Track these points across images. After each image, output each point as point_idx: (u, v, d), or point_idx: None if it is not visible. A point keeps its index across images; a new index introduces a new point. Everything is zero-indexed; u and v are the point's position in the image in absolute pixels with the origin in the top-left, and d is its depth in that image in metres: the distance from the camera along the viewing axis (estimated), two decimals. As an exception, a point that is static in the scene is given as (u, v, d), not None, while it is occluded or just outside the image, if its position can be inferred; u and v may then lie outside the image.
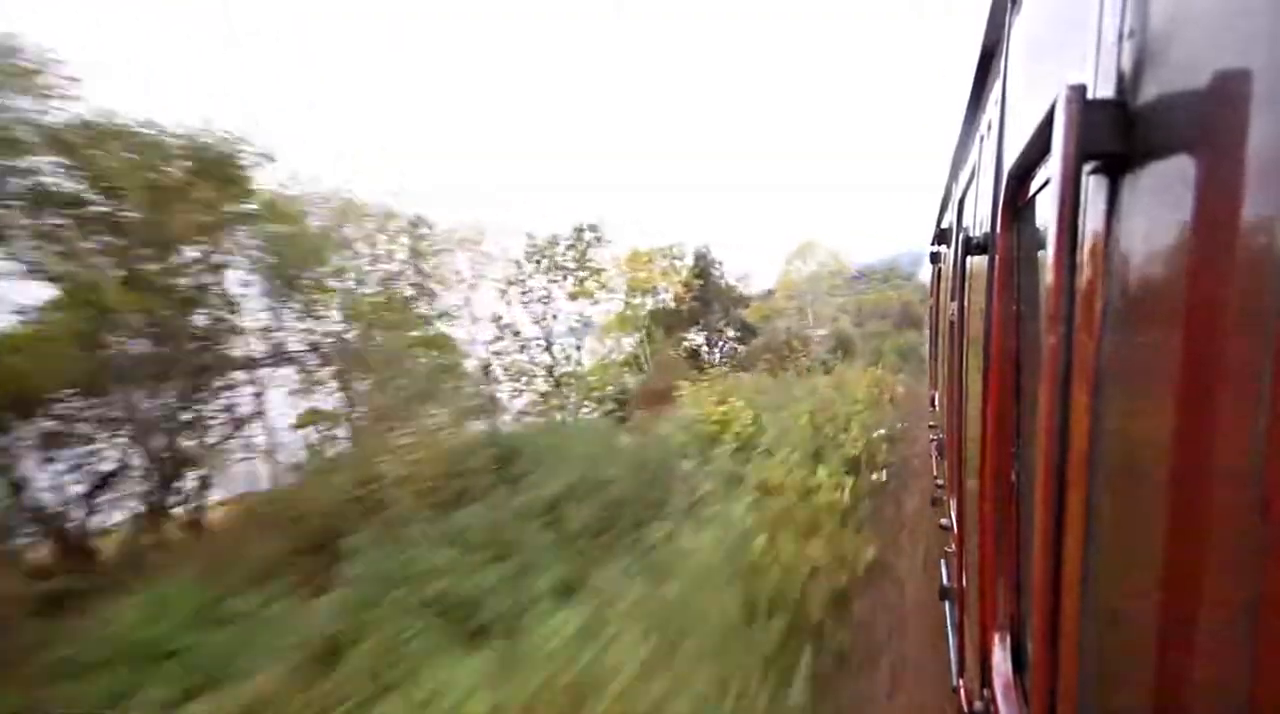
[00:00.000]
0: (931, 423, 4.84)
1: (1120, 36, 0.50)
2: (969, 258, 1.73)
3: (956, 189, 2.58)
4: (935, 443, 3.91)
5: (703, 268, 21.76)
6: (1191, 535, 0.37)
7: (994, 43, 1.44)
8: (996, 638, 1.02)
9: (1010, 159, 0.91)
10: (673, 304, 21.48)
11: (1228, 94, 0.35)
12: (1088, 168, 0.54)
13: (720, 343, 23.02)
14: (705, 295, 22.11)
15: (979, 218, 1.57)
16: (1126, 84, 0.49)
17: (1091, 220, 0.54)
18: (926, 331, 7.69)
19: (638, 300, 20.71)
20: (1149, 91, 0.46)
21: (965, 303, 1.87)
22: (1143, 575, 0.44)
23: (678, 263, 21.61)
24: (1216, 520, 0.35)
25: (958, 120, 2.17)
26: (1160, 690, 0.41)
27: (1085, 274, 0.55)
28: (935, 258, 4.43)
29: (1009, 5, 1.24)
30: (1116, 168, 0.50)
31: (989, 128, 1.48)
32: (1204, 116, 0.38)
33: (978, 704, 1.20)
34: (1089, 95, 0.51)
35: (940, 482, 3.07)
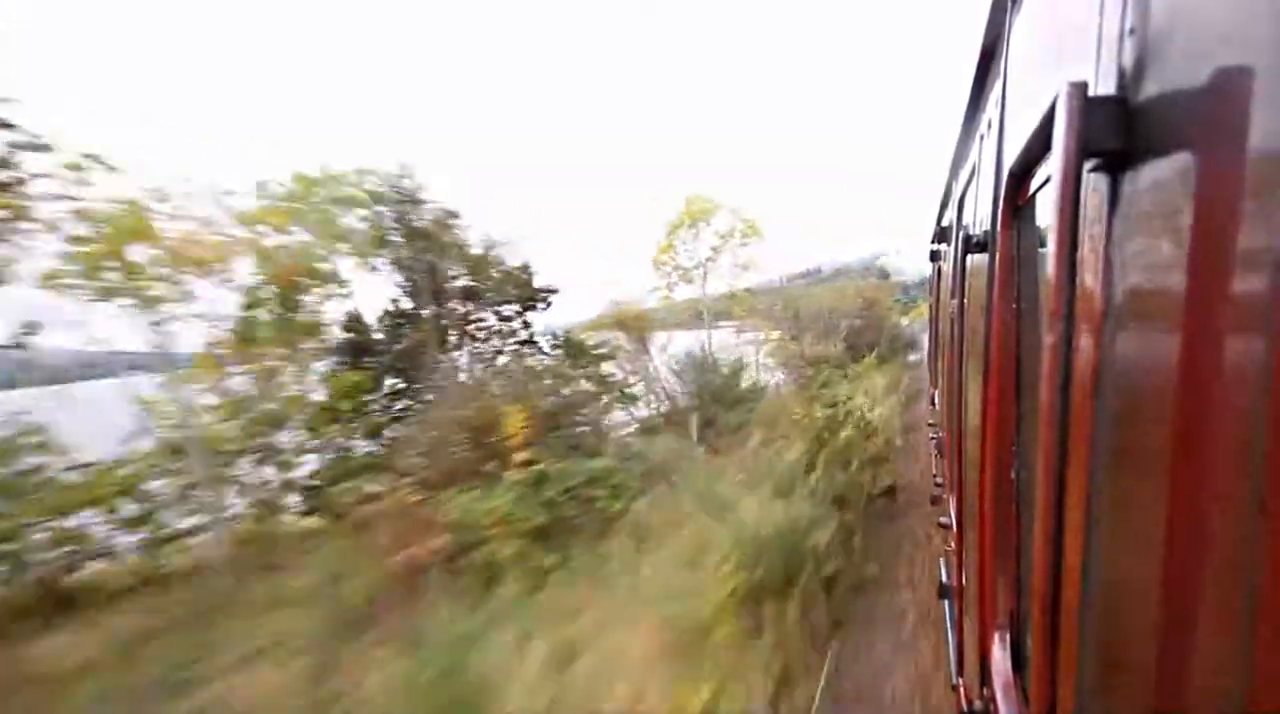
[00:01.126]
0: (931, 421, 5.06)
1: (1122, 34, 0.53)
2: (969, 256, 1.82)
3: (957, 187, 2.76)
4: (935, 442, 4.12)
5: (410, 222, 10.92)
6: (1191, 534, 0.39)
7: (994, 41, 1.53)
8: (996, 637, 1.07)
9: (1011, 157, 0.93)
10: (408, 304, 11.43)
11: (1229, 91, 0.36)
12: (1088, 165, 0.56)
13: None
14: (438, 282, 11.29)
15: (979, 216, 1.68)
16: (1128, 81, 0.52)
17: (1092, 218, 0.57)
18: (925, 344, 8.19)
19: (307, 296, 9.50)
20: (1150, 89, 0.48)
21: (965, 301, 2.01)
22: (1142, 574, 0.46)
23: (357, 217, 10.30)
24: (1216, 519, 0.37)
25: (954, 119, 2.34)
26: (1160, 690, 0.43)
27: (1086, 272, 0.58)
28: (935, 256, 4.78)
29: (1009, 4, 1.31)
30: (1117, 165, 0.53)
31: (989, 126, 1.57)
32: (1205, 113, 0.39)
33: (977, 703, 1.29)
34: (1090, 92, 0.53)
35: (940, 480, 3.26)
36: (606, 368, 13.92)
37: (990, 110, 1.59)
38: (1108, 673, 0.54)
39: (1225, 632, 0.35)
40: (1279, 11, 0.32)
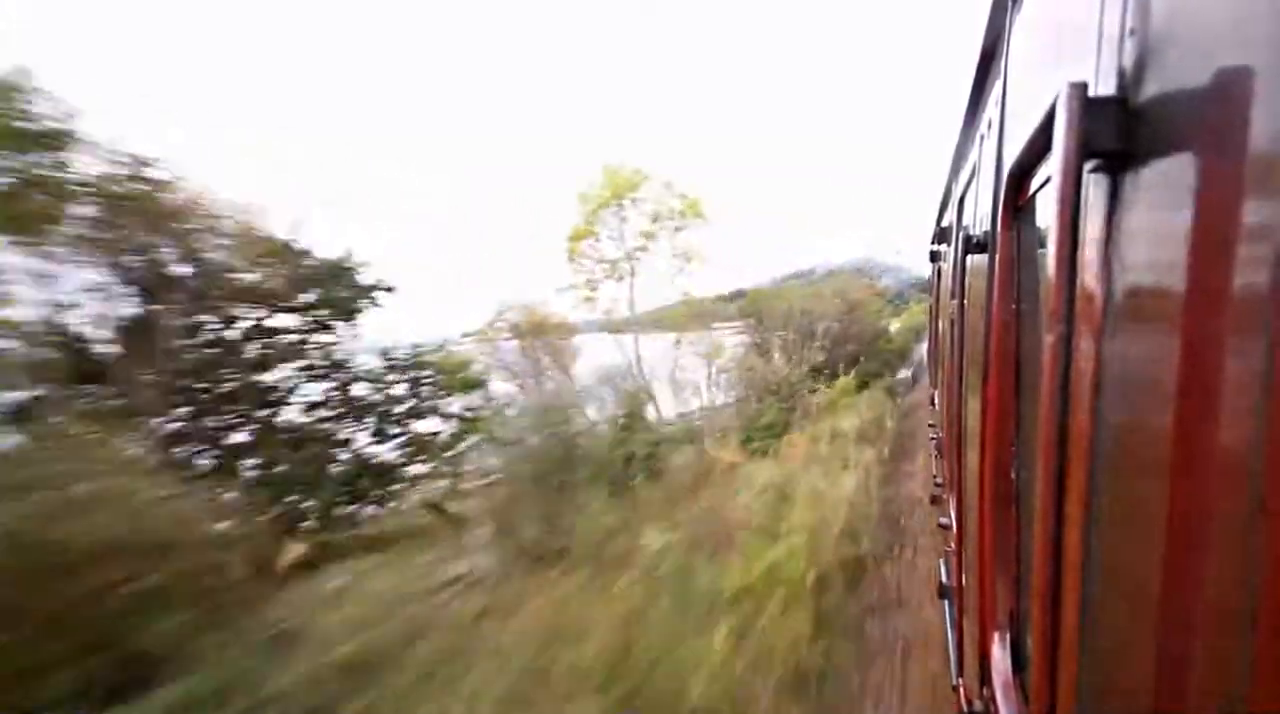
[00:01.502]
0: (931, 422, 5.01)
1: (1122, 34, 0.56)
2: (969, 257, 1.89)
3: (957, 188, 2.83)
4: (935, 442, 4.15)
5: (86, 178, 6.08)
6: (1191, 535, 0.41)
7: (994, 41, 1.59)
8: (996, 637, 1.10)
9: (1011, 157, 0.98)
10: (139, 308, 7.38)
11: (1230, 91, 0.38)
12: (1089, 166, 0.60)
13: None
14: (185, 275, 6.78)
15: (979, 216, 1.73)
16: (1128, 82, 0.55)
17: (1092, 218, 0.61)
18: (925, 341, 8.00)
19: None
20: (1151, 89, 0.51)
21: (965, 302, 2.05)
22: (1143, 575, 0.49)
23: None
24: (1217, 520, 0.39)
25: (952, 116, 2.47)
26: (1160, 690, 0.45)
27: (1086, 273, 0.62)
28: (935, 257, 4.72)
29: (1009, 4, 1.38)
30: (1118, 166, 0.56)
31: (989, 126, 1.64)
32: (1206, 114, 0.41)
33: (977, 704, 1.32)
34: (1090, 93, 0.57)
35: (940, 481, 3.34)
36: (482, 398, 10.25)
37: (990, 110, 1.67)
38: (1108, 673, 0.58)
39: (1226, 632, 0.38)
40: (1279, 12, 0.34)
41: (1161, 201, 0.49)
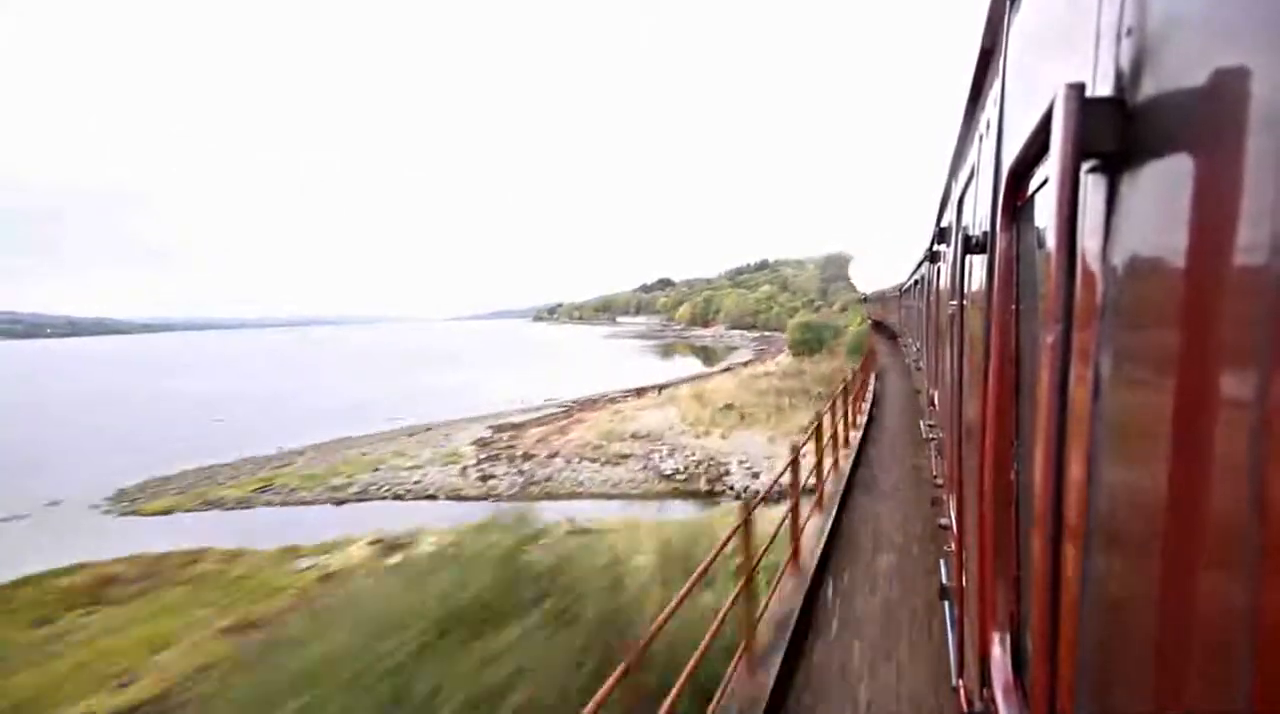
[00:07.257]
0: (931, 422, 5.25)
1: (1119, 35, 0.58)
2: (968, 256, 1.97)
3: (956, 188, 2.94)
4: (935, 443, 4.50)
5: None
6: (1190, 535, 0.42)
7: (992, 42, 1.65)
8: (996, 638, 1.13)
9: (1009, 158, 1.01)
10: None
11: (1226, 92, 0.39)
12: (1086, 166, 0.62)
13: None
14: None
15: (978, 216, 1.80)
16: (1125, 82, 0.57)
17: (1090, 218, 0.63)
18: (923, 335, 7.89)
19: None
20: (1148, 90, 0.52)
21: (964, 301, 2.14)
22: (1142, 575, 0.50)
23: None
24: (1215, 520, 0.39)
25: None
26: (1160, 690, 0.47)
27: (1084, 272, 0.64)
28: (934, 257, 4.92)
29: (1007, 5, 1.42)
30: (1115, 166, 0.59)
31: (988, 127, 1.69)
32: (1203, 114, 0.43)
33: (978, 705, 1.38)
34: (1087, 94, 0.58)
35: (940, 481, 3.58)
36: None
37: (989, 110, 1.69)
38: (1107, 674, 0.58)
39: (1224, 632, 0.38)
40: (1276, 13, 0.34)
41: (1159, 201, 0.49)
